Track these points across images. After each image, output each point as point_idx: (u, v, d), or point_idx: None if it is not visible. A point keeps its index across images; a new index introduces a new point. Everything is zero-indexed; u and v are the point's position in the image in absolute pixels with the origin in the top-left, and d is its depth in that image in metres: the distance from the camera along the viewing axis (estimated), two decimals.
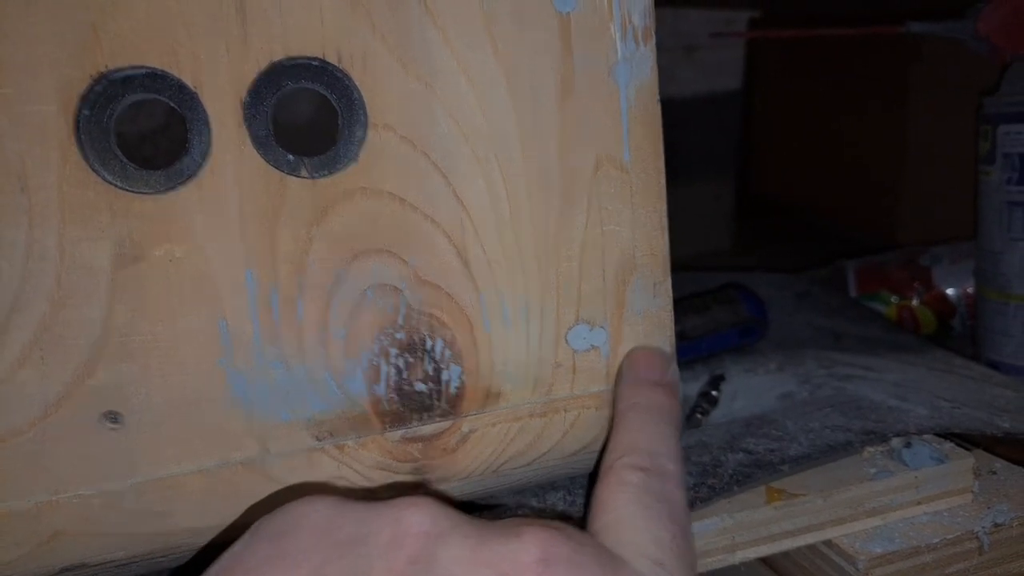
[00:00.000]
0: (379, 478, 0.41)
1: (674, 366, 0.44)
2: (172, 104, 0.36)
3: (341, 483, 0.41)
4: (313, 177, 0.38)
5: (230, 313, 0.37)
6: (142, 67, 0.35)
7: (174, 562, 0.40)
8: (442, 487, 0.43)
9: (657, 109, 0.42)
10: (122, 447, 0.37)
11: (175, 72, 0.35)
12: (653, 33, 0.41)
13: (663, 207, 0.43)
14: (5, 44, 0.33)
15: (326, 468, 0.40)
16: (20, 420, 0.35)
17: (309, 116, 0.50)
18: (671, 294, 0.44)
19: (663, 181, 0.43)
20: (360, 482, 0.41)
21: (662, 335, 0.44)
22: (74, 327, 0.35)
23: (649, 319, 0.44)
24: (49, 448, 0.36)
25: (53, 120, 0.34)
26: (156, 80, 0.35)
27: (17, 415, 0.35)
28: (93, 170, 0.35)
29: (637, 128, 0.42)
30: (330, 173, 0.38)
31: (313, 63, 0.37)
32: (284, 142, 0.38)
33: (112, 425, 0.37)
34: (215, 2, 0.35)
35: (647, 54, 0.41)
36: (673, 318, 0.45)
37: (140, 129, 0.52)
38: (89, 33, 0.34)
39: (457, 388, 0.42)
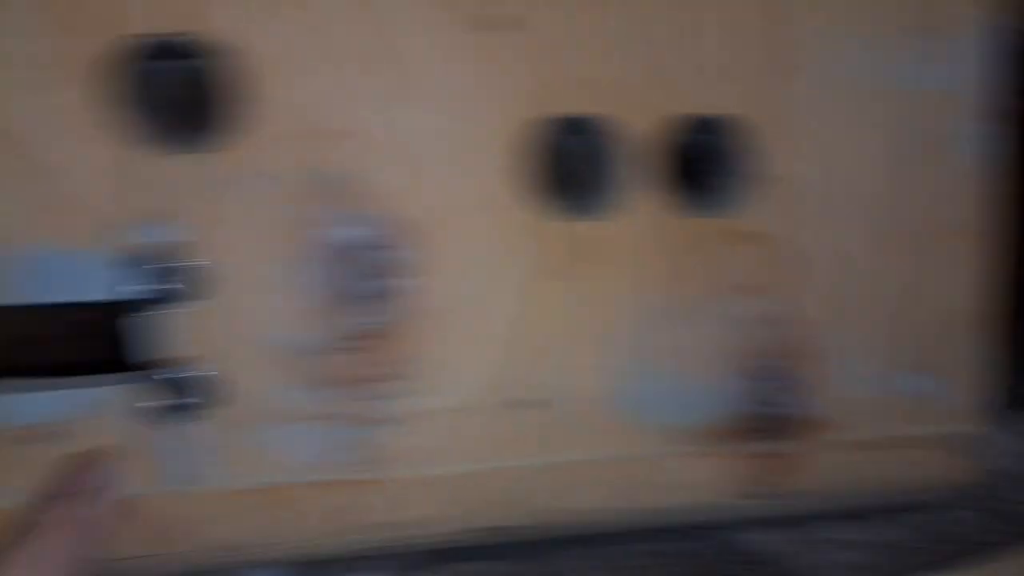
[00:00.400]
0: (723, 489, 0.47)
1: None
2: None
3: (689, 487, 0.46)
4: (703, 216, 0.45)
5: (622, 331, 0.44)
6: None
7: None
8: (782, 501, 0.48)
9: (999, 180, 0.47)
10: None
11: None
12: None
13: (995, 267, 0.47)
14: None
15: (683, 470, 0.46)
16: None
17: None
18: (998, 346, 0.48)
19: (994, 244, 0.47)
20: (699, 493, 0.47)
21: (983, 386, 0.48)
22: None
23: (972, 369, 0.48)
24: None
25: None
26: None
27: None
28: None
29: (974, 196, 0.46)
30: (714, 214, 0.45)
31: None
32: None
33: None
34: None
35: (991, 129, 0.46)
36: (1000, 370, 0.48)
37: None
38: None
39: (804, 415, 0.47)
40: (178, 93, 0.40)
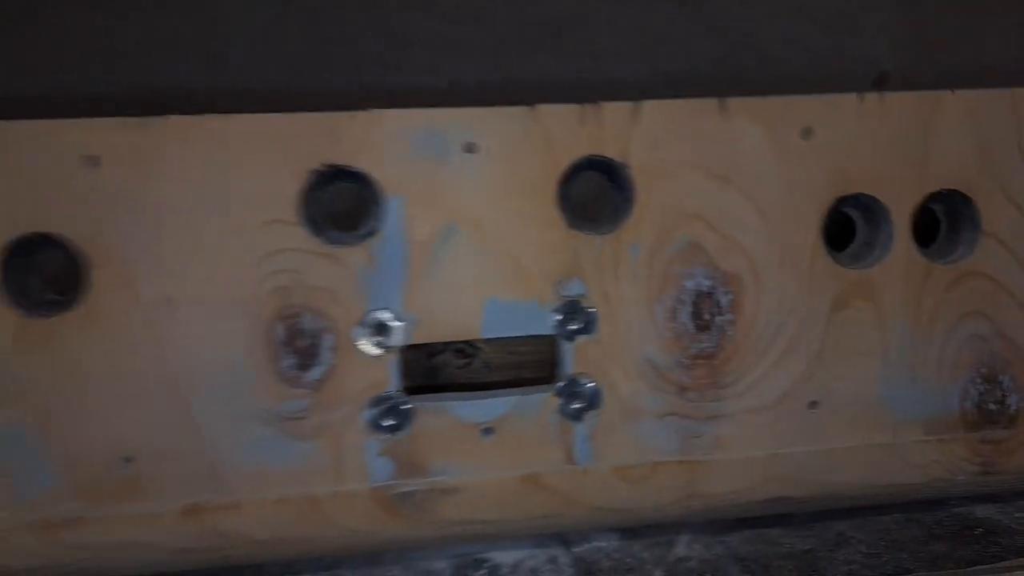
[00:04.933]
0: (963, 468, 0.61)
1: None
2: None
3: (936, 468, 0.61)
4: (946, 263, 0.60)
5: (889, 347, 0.60)
6: None
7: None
8: (999, 479, 0.62)
9: None
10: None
11: None
12: None
13: None
14: None
15: (929, 455, 0.61)
16: None
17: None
18: None
19: None
20: (941, 474, 0.61)
21: None
22: None
23: None
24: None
25: None
26: None
27: None
28: None
29: None
30: (955, 262, 0.60)
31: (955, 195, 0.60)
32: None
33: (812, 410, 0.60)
34: None
35: None
36: None
37: None
38: None
39: (1016, 410, 0.61)
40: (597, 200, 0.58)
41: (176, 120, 0.53)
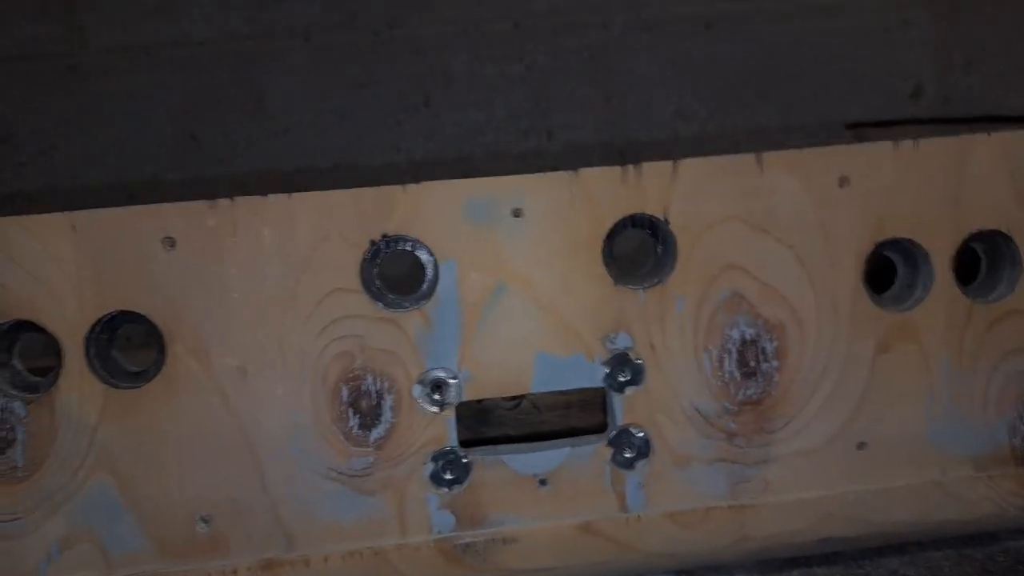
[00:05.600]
0: (1014, 503, 0.62)
1: None
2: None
3: (987, 504, 0.62)
4: (988, 301, 0.61)
5: (935, 385, 0.61)
6: None
7: None
8: None
9: None
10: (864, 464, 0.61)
11: None
12: None
13: None
14: None
15: (979, 491, 0.62)
16: None
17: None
18: None
19: None
20: (991, 509, 0.62)
21: None
22: None
23: None
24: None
25: None
26: None
27: None
28: None
29: None
30: (996, 300, 0.61)
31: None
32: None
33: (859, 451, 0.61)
34: None
35: None
36: None
37: None
38: None
39: None
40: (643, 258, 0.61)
41: (244, 201, 0.56)
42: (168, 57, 1.31)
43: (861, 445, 0.62)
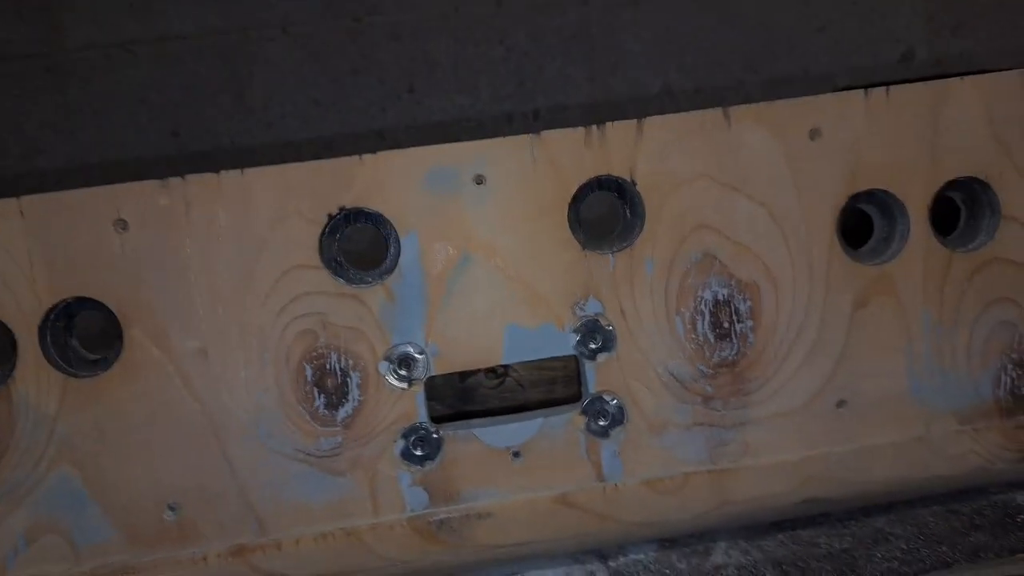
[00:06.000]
0: (1000, 456, 0.60)
1: None
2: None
3: (972, 457, 0.60)
4: (968, 250, 0.59)
5: (915, 340, 0.60)
6: None
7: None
8: None
9: None
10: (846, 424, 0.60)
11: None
12: None
13: None
14: None
15: (964, 446, 0.60)
16: None
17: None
18: None
19: None
20: (977, 463, 0.60)
21: None
22: None
23: None
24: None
25: None
26: None
27: None
28: None
29: None
30: (977, 248, 0.59)
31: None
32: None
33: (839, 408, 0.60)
34: None
35: None
36: None
37: None
38: None
39: None
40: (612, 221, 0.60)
41: (196, 178, 0.55)
42: (147, 54, 1.29)
43: (841, 403, 0.60)
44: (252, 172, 0.55)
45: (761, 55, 1.39)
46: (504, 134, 0.58)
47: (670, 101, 1.40)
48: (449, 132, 1.34)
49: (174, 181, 0.55)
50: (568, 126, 0.58)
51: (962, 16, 1.37)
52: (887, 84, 0.61)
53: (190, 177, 0.55)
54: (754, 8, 1.36)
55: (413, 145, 0.57)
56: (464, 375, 0.74)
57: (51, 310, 0.55)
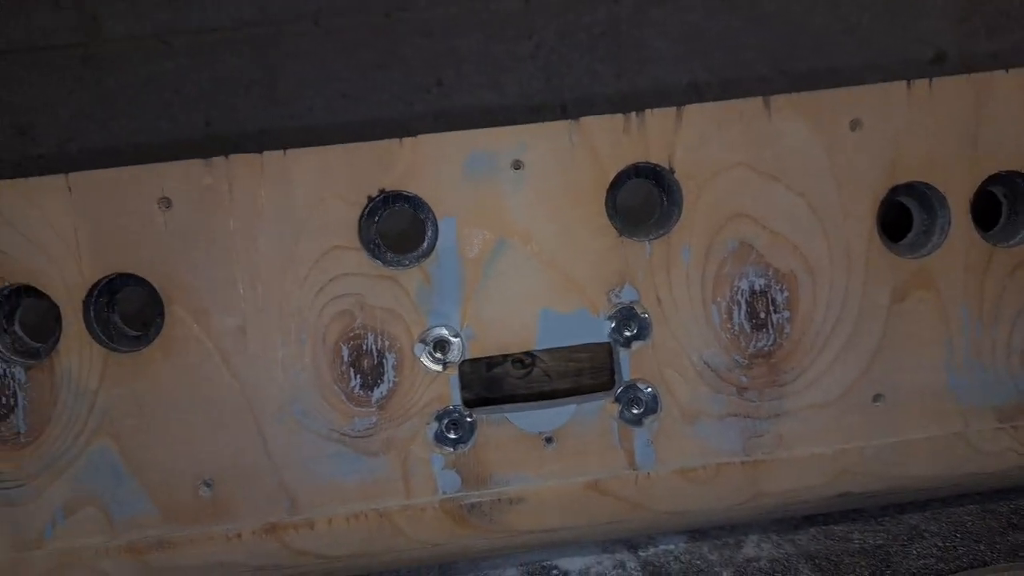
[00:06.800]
0: None
1: None
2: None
3: (1011, 455, 0.59)
4: (1009, 245, 0.58)
5: (954, 335, 0.59)
6: None
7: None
8: None
9: None
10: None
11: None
12: None
13: None
14: None
15: (1003, 443, 0.59)
16: None
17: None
18: None
19: None
20: (1016, 461, 0.59)
21: None
22: None
23: None
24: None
25: None
26: None
27: None
28: None
29: None
30: (1019, 243, 0.59)
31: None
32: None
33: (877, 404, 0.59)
34: None
35: None
36: None
37: None
38: None
39: None
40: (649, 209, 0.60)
41: (239, 158, 0.56)
42: (182, 45, 1.31)
43: (877, 397, 0.60)
44: (294, 153, 0.56)
45: (788, 54, 1.38)
46: None
47: (697, 99, 1.39)
48: (475, 126, 1.35)
49: (218, 160, 0.55)
50: None
51: (995, 18, 1.36)
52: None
53: (233, 157, 0.56)
54: (781, 7, 1.36)
55: None
56: (491, 364, 0.75)
57: (95, 286, 0.56)
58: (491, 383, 0.76)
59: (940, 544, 0.58)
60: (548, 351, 0.62)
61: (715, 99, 0.62)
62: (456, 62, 1.34)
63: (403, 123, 1.37)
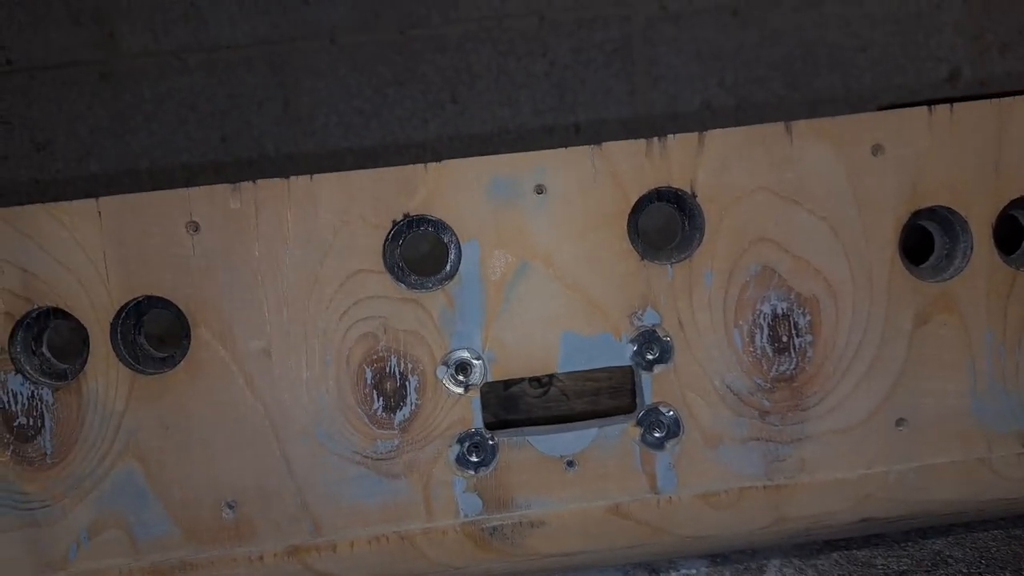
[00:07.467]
0: None
1: None
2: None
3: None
4: None
5: (977, 359, 0.59)
6: None
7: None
8: None
9: None
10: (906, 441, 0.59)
11: None
12: None
13: None
14: None
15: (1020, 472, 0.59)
16: None
17: None
18: None
19: None
20: None
21: None
22: None
23: None
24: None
25: None
26: None
27: None
28: None
29: None
30: None
31: None
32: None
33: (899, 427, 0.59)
34: None
35: None
36: None
37: None
38: None
39: None
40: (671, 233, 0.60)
41: (266, 183, 0.56)
42: (198, 62, 1.33)
43: (900, 422, 0.60)
44: (320, 178, 0.57)
45: (802, 72, 1.38)
46: (544, 146, 0.58)
47: (710, 116, 1.40)
48: (489, 143, 1.36)
49: (245, 185, 0.56)
50: (608, 139, 0.58)
51: (1009, 36, 1.36)
52: (930, 103, 0.61)
53: (260, 181, 0.56)
54: (795, 25, 1.36)
55: (454, 155, 0.58)
56: (508, 384, 0.75)
57: (123, 308, 0.56)
58: (508, 402, 0.76)
59: (964, 571, 0.57)
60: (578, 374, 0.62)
61: (729, 116, 0.63)
62: (471, 79, 1.36)
63: (417, 140, 1.38)
